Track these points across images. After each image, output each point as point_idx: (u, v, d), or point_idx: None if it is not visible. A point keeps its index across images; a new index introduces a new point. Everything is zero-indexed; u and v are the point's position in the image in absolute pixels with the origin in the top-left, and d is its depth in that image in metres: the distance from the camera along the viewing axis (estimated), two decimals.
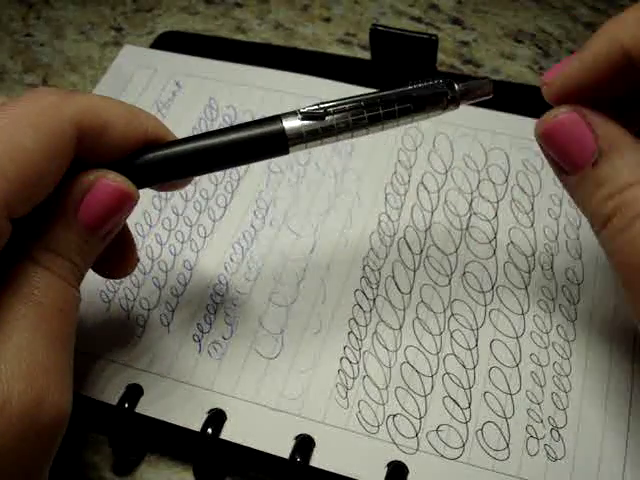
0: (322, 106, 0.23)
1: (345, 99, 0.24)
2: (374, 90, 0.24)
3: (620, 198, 0.20)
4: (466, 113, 0.36)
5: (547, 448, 0.26)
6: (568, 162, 0.22)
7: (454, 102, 0.24)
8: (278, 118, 0.23)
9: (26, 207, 0.20)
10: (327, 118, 0.23)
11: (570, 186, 0.22)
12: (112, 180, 0.22)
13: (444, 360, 0.28)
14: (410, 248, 0.32)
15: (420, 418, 0.27)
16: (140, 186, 0.23)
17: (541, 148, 0.23)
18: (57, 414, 0.20)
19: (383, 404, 0.27)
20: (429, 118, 0.24)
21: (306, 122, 0.23)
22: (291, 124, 0.23)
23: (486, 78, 0.24)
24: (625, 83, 0.22)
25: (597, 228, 0.22)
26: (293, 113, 0.23)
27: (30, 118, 0.20)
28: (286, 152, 0.24)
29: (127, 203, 0.22)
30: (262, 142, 0.23)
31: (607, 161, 0.21)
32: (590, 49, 0.22)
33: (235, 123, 0.37)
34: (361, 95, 0.24)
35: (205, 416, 0.27)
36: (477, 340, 0.29)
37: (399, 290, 0.30)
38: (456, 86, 0.24)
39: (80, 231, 0.22)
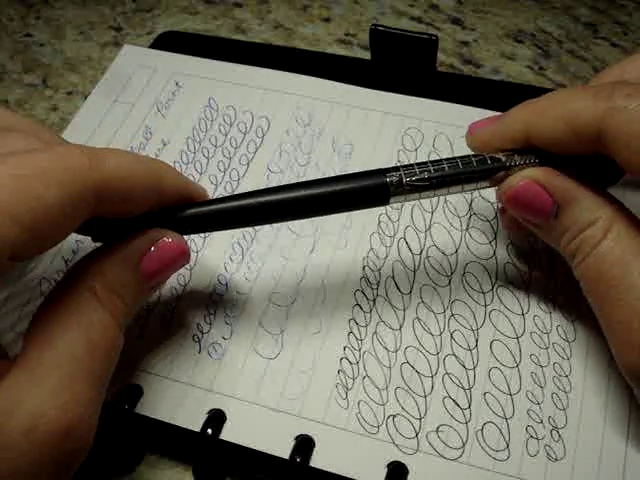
0: (430, 176, 0.25)
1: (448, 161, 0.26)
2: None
3: (579, 239, 0.25)
4: (466, 113, 0.36)
5: (547, 448, 0.26)
6: (534, 219, 0.26)
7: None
8: (382, 173, 0.25)
9: (29, 254, 0.21)
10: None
11: (541, 234, 0.27)
12: (173, 238, 0.25)
13: (444, 360, 0.28)
14: (410, 248, 0.32)
15: (420, 418, 0.27)
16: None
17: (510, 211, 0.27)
18: (80, 446, 0.21)
19: (383, 404, 0.27)
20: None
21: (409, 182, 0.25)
22: (393, 179, 0.25)
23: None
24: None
25: (569, 262, 0.26)
26: (396, 169, 0.25)
27: (58, 175, 0.20)
28: (387, 203, 0.26)
29: (182, 259, 0.25)
30: (365, 194, 0.25)
31: (565, 212, 0.25)
32: (509, 119, 0.26)
33: (235, 123, 0.37)
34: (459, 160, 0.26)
35: (205, 416, 0.27)
36: (477, 340, 0.29)
37: (399, 290, 0.30)
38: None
39: (139, 278, 0.24)
